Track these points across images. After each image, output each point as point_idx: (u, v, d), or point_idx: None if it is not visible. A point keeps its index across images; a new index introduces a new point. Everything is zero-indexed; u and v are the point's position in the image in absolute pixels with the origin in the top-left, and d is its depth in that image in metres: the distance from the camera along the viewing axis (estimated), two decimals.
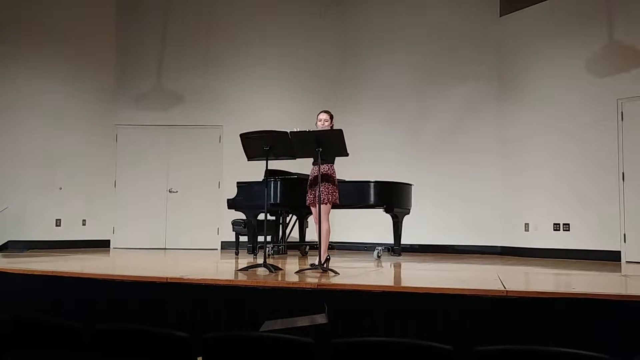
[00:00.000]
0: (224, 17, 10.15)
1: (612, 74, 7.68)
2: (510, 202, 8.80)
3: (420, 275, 5.61)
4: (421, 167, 9.36)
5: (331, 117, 5.81)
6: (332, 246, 8.86)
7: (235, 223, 8.01)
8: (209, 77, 10.06)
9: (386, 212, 7.63)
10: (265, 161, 5.34)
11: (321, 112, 5.85)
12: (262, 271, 5.01)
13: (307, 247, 8.31)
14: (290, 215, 8.41)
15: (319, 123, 5.75)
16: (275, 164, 6.58)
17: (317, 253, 5.44)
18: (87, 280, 4.69)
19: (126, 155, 9.99)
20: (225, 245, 9.44)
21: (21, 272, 5.05)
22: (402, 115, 9.74)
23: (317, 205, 5.42)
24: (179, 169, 9.97)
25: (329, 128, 5.70)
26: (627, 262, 7.34)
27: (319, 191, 5.33)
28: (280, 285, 4.29)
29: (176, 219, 9.86)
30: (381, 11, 10.05)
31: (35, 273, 4.96)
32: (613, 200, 7.57)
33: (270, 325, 3.21)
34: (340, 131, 5.16)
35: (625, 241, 7.47)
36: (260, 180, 6.83)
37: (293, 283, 4.33)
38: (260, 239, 7.31)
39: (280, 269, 5.22)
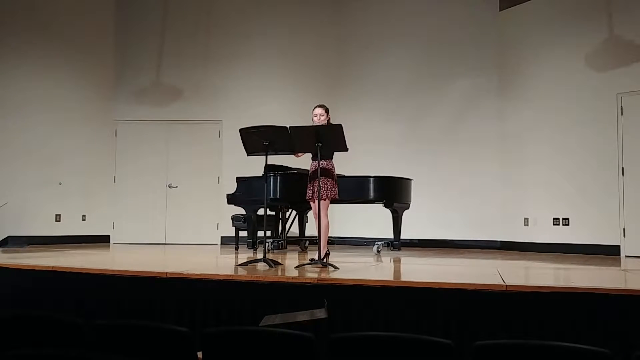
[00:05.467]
0: (223, 13, 10.12)
1: (611, 68, 7.67)
2: (509, 197, 8.80)
3: (420, 270, 5.62)
4: (421, 162, 9.35)
5: (326, 110, 5.76)
6: (332, 241, 8.87)
7: (235, 218, 8.02)
8: (208, 72, 10.05)
9: (386, 207, 7.63)
10: (264, 156, 5.33)
11: (316, 106, 5.81)
12: (262, 266, 5.01)
13: (307, 242, 8.31)
14: (289, 211, 8.41)
15: (314, 118, 5.73)
16: (275, 159, 6.56)
17: (317, 248, 5.44)
18: (87, 276, 4.70)
19: (126, 151, 9.99)
20: (225, 240, 9.44)
21: (21, 267, 5.06)
22: (401, 110, 9.73)
23: (317, 200, 5.40)
24: (179, 164, 9.97)
25: (326, 122, 5.69)
26: (626, 256, 7.35)
27: (319, 186, 5.33)
28: (280, 280, 4.30)
29: (176, 214, 9.87)
30: (380, 6, 10.02)
31: (35, 268, 4.97)
32: (612, 194, 7.57)
33: (270, 320, 3.21)
34: (339, 126, 5.15)
35: (624, 235, 7.48)
36: (260, 175, 6.83)
37: (293, 278, 4.33)
38: (260, 234, 7.31)
39: (280, 264, 5.22)
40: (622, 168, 7.55)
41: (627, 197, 7.48)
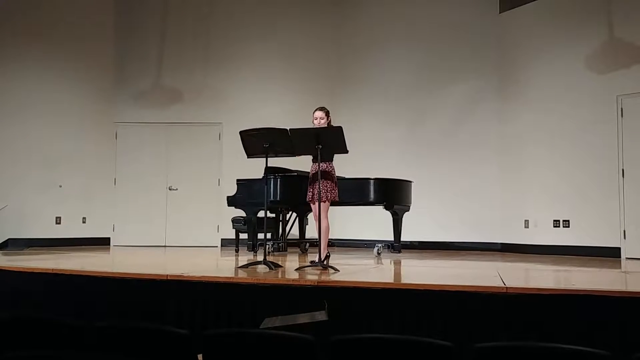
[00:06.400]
0: (223, 15, 10.14)
1: (611, 71, 7.68)
2: (510, 199, 8.80)
3: (420, 272, 5.62)
4: (421, 164, 9.35)
5: (327, 113, 5.72)
6: (332, 243, 8.86)
7: (235, 220, 8.02)
8: (208, 75, 10.06)
9: (386, 209, 7.63)
10: (265, 158, 5.33)
11: (316, 109, 5.77)
12: (262, 268, 5.01)
13: (307, 244, 8.31)
14: (290, 213, 8.41)
15: (315, 121, 5.68)
16: (275, 161, 6.56)
17: (317, 250, 5.44)
18: (87, 278, 4.70)
19: (126, 153, 9.99)
20: (225, 243, 9.44)
21: (21, 270, 5.05)
22: (402, 112, 9.74)
23: (317, 202, 5.40)
24: (179, 166, 9.97)
25: (326, 125, 5.68)
26: (626, 258, 7.34)
27: (319, 188, 5.33)
28: (280, 283, 4.29)
29: (176, 217, 9.86)
30: (380, 8, 10.03)
31: (36, 271, 4.96)
32: (613, 196, 7.57)
33: (270, 323, 3.22)
34: (340, 128, 5.15)
35: (625, 237, 7.47)
36: (260, 177, 6.83)
37: (293, 280, 4.33)
38: (260, 236, 7.31)
39: (280, 266, 5.22)
40: (622, 170, 7.54)
41: (627, 199, 7.48)
